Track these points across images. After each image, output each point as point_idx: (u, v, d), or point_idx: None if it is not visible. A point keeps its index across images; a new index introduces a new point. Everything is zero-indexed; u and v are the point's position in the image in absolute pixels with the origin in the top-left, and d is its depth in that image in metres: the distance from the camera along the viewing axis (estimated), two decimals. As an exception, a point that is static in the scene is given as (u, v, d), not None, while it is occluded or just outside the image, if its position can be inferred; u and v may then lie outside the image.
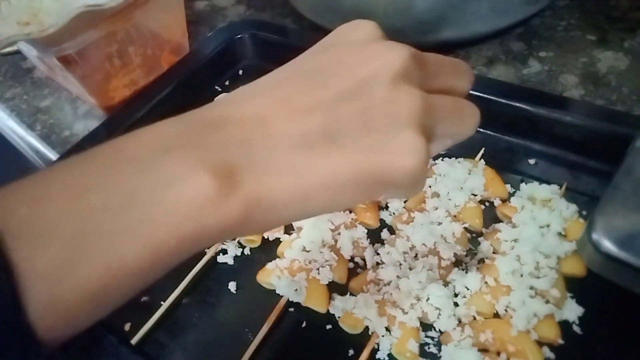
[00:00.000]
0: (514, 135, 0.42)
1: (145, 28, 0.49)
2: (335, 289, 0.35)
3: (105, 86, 0.49)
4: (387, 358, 0.31)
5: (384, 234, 0.37)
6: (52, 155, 0.50)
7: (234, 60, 0.54)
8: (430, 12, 0.48)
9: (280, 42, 0.53)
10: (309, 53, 0.24)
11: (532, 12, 0.50)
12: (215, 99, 0.19)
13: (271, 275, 0.35)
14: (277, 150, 0.20)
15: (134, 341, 0.34)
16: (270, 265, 0.36)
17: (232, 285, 0.37)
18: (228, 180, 0.18)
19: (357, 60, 0.22)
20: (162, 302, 0.35)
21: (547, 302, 0.31)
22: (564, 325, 0.31)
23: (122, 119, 0.47)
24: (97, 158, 0.18)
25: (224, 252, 0.39)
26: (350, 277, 0.35)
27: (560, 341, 0.30)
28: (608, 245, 0.23)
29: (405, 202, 0.39)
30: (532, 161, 0.40)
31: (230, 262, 0.38)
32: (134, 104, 0.48)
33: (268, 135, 0.20)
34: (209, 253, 0.38)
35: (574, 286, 0.33)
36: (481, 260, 0.35)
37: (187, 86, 0.50)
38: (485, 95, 0.42)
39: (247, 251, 0.39)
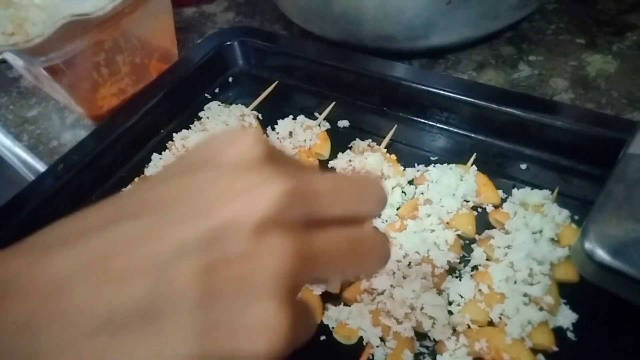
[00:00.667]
0: (505, 140, 0.42)
1: (133, 36, 0.49)
2: (328, 299, 0.35)
3: (93, 95, 0.49)
4: (381, 369, 0.31)
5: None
6: (40, 167, 0.50)
7: (224, 67, 0.54)
8: (419, 17, 0.48)
9: (269, 48, 0.52)
10: (166, 170, 0.19)
11: (521, 16, 0.50)
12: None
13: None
14: (73, 337, 0.14)
15: None
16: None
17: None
18: None
19: (215, 196, 0.16)
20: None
21: (541, 309, 0.31)
22: (558, 332, 0.31)
23: (110, 128, 0.46)
24: None
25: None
26: (344, 286, 0.35)
27: (555, 348, 0.30)
28: (601, 254, 0.23)
29: (397, 209, 0.39)
30: (523, 166, 0.40)
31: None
32: (122, 113, 0.47)
33: (63, 313, 0.14)
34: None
35: (568, 292, 0.33)
36: (475, 268, 0.35)
37: (176, 94, 0.49)
38: (476, 101, 0.42)
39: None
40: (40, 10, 0.42)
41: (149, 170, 0.44)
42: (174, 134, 0.45)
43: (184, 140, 0.44)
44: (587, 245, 0.23)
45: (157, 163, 0.44)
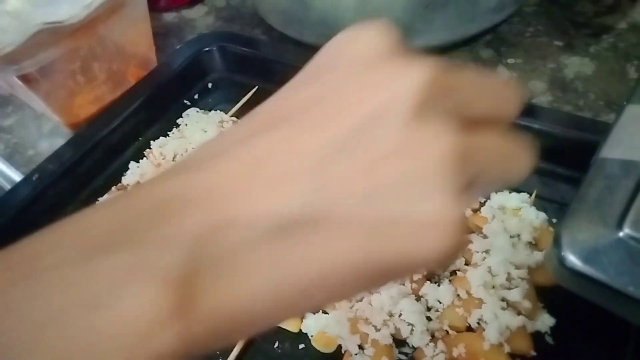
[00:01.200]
0: (484, 144, 0.42)
1: (110, 43, 0.48)
2: (307, 306, 0.34)
3: (70, 103, 0.48)
4: (360, 377, 0.31)
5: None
6: (16, 176, 0.49)
7: (203, 73, 0.53)
8: (398, 21, 0.47)
9: (249, 54, 0.52)
10: (294, 83, 0.18)
11: (499, 19, 0.50)
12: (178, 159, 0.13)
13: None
14: (247, 243, 0.14)
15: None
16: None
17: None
18: (184, 292, 0.13)
19: (355, 90, 0.16)
20: None
21: (519, 313, 0.31)
22: (537, 336, 0.31)
23: (88, 136, 0.45)
24: (7, 270, 0.13)
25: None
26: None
27: (533, 353, 0.30)
28: (573, 260, 0.23)
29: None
30: (502, 169, 0.40)
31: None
32: (100, 121, 0.47)
33: (232, 220, 0.14)
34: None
35: (546, 296, 0.33)
36: (453, 273, 0.35)
37: (155, 100, 0.49)
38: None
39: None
40: (12, 18, 0.41)
41: (127, 179, 0.43)
42: (152, 142, 0.45)
43: (161, 148, 0.43)
44: (559, 251, 0.23)
45: (135, 171, 0.43)
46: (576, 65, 0.49)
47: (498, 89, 0.18)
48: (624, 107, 0.29)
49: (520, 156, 0.18)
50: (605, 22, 0.53)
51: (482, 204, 0.38)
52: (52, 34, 0.42)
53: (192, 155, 0.16)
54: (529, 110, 0.41)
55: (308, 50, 0.55)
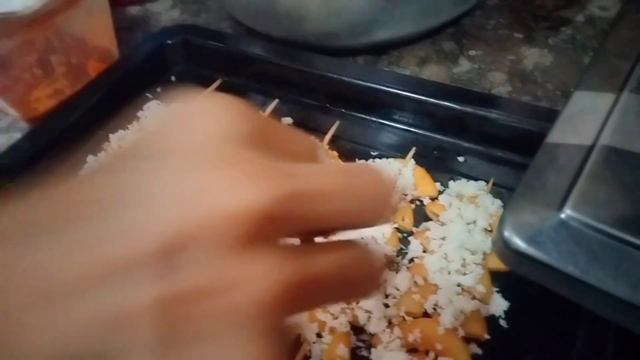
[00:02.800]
0: (444, 134, 0.42)
1: (68, 35, 0.47)
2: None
3: (27, 97, 0.47)
4: (318, 365, 0.31)
5: (317, 239, 0.37)
6: (-28, 172, 0.47)
7: (166, 66, 0.52)
8: (361, 14, 0.48)
9: (213, 47, 0.51)
10: (97, 172, 0.15)
11: (461, 11, 0.51)
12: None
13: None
14: None
15: None
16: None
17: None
18: None
19: (175, 199, 0.12)
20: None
21: (474, 298, 0.32)
22: (491, 320, 0.32)
23: (46, 130, 0.44)
24: None
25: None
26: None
27: (487, 336, 0.31)
28: (516, 241, 0.23)
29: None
30: (461, 159, 0.41)
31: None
32: (58, 114, 0.46)
33: (6, 345, 0.11)
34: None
35: (500, 280, 0.33)
36: (411, 260, 0.35)
37: (116, 94, 0.48)
38: (416, 96, 0.42)
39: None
40: (-37, 8, 0.40)
41: (85, 173, 0.42)
42: (111, 135, 0.44)
43: (120, 141, 0.43)
44: (504, 233, 0.23)
45: (93, 165, 0.43)
46: (535, 57, 0.50)
47: (368, 194, 0.15)
48: (571, 94, 0.29)
49: (369, 277, 0.16)
50: (563, 15, 0.54)
51: (441, 192, 0.38)
52: (5, 25, 0.41)
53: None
54: (487, 101, 0.41)
55: (272, 44, 0.55)
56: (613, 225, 0.22)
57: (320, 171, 0.14)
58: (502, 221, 0.24)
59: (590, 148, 0.25)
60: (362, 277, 0.16)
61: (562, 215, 0.23)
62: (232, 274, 0.12)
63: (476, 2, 0.52)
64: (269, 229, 0.12)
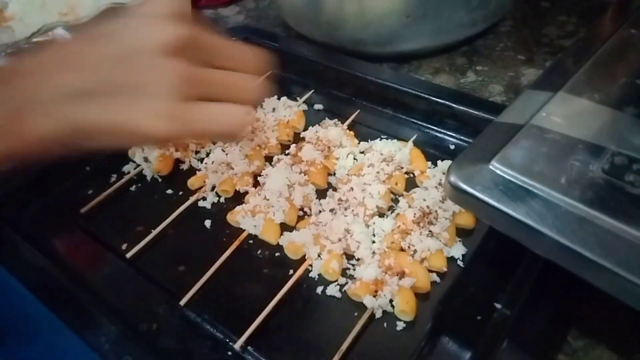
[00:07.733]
0: (441, 127, 0.53)
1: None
2: (286, 230, 0.45)
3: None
4: (317, 276, 0.42)
5: (329, 192, 0.48)
6: None
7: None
8: (388, 28, 0.59)
9: (268, 45, 0.64)
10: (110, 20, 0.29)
11: (470, 33, 0.61)
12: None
13: (238, 215, 0.46)
14: (53, 98, 0.27)
15: (129, 256, 0.44)
16: (237, 208, 0.46)
17: (207, 223, 0.47)
18: (11, 121, 0.27)
19: (136, 31, 0.27)
20: (152, 230, 0.46)
21: (440, 241, 0.42)
22: (451, 260, 0.42)
23: None
24: None
25: (204, 199, 0.49)
26: (298, 219, 0.46)
27: (445, 269, 0.41)
28: (456, 180, 0.33)
29: (349, 170, 0.50)
30: (452, 147, 0.51)
31: (208, 206, 0.49)
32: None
33: (47, 84, 0.27)
34: (192, 199, 0.49)
35: (464, 235, 0.43)
36: (398, 214, 0.45)
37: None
38: (426, 96, 0.53)
39: (222, 200, 0.49)
40: (89, -3, 0.55)
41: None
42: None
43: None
44: (450, 177, 0.34)
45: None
46: (531, 75, 0.60)
47: (236, 52, 0.30)
48: (523, 91, 0.40)
49: (242, 88, 0.29)
50: (563, 43, 0.64)
51: (430, 168, 0.49)
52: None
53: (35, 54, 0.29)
54: (481, 105, 0.51)
55: (315, 46, 0.67)
56: (521, 173, 0.32)
57: (212, 33, 0.30)
58: (449, 169, 0.34)
59: (522, 126, 0.35)
60: (240, 88, 0.30)
61: (490, 166, 0.33)
62: (155, 64, 0.27)
63: (487, 27, 0.63)
64: (180, 51, 0.27)
